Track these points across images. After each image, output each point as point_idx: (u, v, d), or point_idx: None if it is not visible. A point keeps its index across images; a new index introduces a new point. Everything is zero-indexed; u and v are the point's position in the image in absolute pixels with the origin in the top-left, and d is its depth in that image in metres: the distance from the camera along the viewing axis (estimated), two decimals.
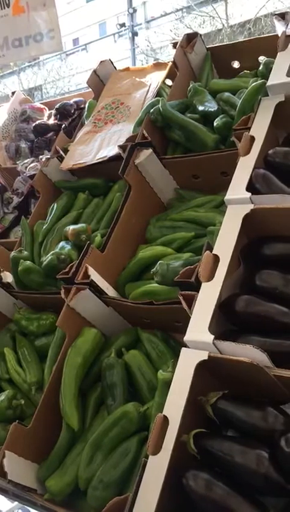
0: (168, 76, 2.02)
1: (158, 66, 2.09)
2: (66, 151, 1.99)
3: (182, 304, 1.24)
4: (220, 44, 2.07)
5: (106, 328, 1.52)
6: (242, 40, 1.98)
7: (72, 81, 16.67)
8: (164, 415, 1.03)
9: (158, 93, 1.96)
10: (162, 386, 1.18)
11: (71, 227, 1.63)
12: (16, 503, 2.04)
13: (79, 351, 1.38)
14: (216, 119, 1.59)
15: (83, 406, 1.37)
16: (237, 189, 1.30)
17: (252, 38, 1.91)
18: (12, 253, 1.69)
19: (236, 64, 1.98)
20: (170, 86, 2.02)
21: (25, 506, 2.05)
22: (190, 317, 1.16)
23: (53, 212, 1.85)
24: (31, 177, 2.12)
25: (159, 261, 1.31)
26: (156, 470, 1.01)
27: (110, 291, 1.52)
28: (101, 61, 2.19)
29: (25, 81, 17.07)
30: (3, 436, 1.37)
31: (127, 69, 2.18)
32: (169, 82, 2.05)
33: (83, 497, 1.21)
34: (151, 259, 1.51)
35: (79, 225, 1.62)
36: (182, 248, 1.53)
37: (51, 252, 1.58)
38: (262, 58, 1.87)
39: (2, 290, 1.72)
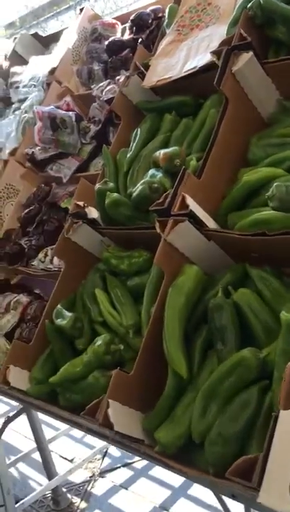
0: None
1: None
2: (147, 66, 1.75)
3: None
4: None
5: (206, 265, 1.34)
6: None
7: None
8: None
9: None
10: (286, 330, 1.00)
11: (162, 151, 1.42)
12: None
13: (181, 291, 1.22)
14: None
15: (188, 351, 1.22)
16: None
17: None
18: (97, 186, 1.52)
19: None
20: None
21: None
22: None
23: (137, 138, 1.65)
24: (109, 101, 1.91)
25: (275, 183, 1.08)
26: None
27: (210, 222, 1.33)
28: None
29: None
30: (103, 384, 1.29)
31: None
32: None
33: (196, 450, 1.09)
34: (259, 183, 1.29)
35: (171, 148, 1.42)
36: None
37: (141, 181, 1.39)
38: None
39: (88, 227, 1.58)
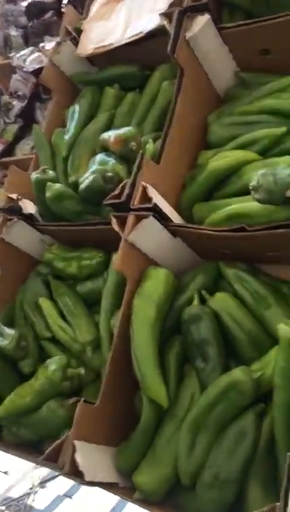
0: None
1: None
2: (79, 31, 1.50)
3: None
4: None
5: (171, 265, 1.15)
6: None
7: None
8: None
9: None
10: (287, 346, 0.85)
11: (112, 133, 1.20)
12: None
13: (150, 300, 1.03)
14: None
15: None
16: None
17: None
18: (35, 175, 1.26)
19: None
20: None
21: None
22: None
23: (76, 116, 1.41)
24: (35, 72, 1.64)
25: (260, 172, 0.91)
26: None
27: (175, 216, 1.14)
28: None
29: None
30: (62, 416, 1.08)
31: None
32: None
33: (184, 492, 0.93)
34: (229, 170, 1.12)
35: (124, 129, 1.20)
36: (267, 151, 1.13)
37: (91, 169, 1.17)
38: None
39: (24, 224, 1.33)
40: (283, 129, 1.10)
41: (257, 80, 1.31)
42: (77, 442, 0.94)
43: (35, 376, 1.15)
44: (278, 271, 1.12)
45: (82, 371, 1.10)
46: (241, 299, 1.06)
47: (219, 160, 1.13)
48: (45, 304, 1.25)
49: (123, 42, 1.36)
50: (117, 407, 1.05)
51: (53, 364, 1.10)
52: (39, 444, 1.18)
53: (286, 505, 0.72)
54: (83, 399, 0.98)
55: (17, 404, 1.11)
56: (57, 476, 2.70)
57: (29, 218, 1.33)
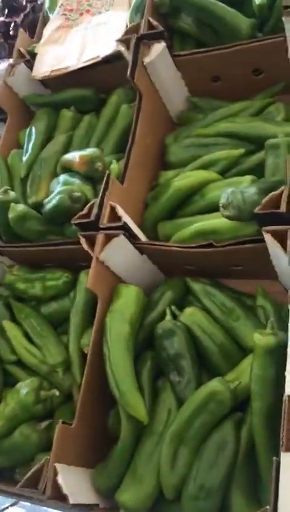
0: None
1: None
2: (32, 54, 1.51)
3: (265, 241, 0.95)
4: None
5: (138, 283, 1.17)
6: None
7: None
8: None
9: None
10: (262, 355, 0.89)
11: (77, 153, 1.22)
12: None
13: (122, 317, 1.05)
14: None
15: None
16: None
17: None
18: None
19: None
20: None
21: None
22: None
23: (33, 138, 1.41)
24: None
25: (229, 190, 0.96)
26: None
27: (140, 234, 1.17)
28: None
29: None
30: (36, 441, 1.06)
31: None
32: None
33: (168, 505, 0.93)
34: (192, 189, 1.17)
35: (89, 150, 1.22)
36: (225, 171, 1.19)
37: (57, 190, 1.17)
38: None
39: None
40: (241, 151, 1.17)
41: (208, 105, 1.39)
42: (57, 465, 0.92)
43: (3, 401, 1.11)
44: (241, 285, 1.17)
45: (56, 392, 1.08)
46: (210, 313, 1.10)
47: (182, 179, 1.17)
48: (9, 326, 1.22)
49: (80, 66, 1.39)
50: (93, 427, 1.05)
51: (25, 387, 1.07)
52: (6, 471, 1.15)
53: (275, 509, 0.75)
54: (61, 420, 0.97)
55: None
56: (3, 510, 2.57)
57: None
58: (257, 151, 1.18)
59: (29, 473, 0.93)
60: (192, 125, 1.34)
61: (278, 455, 0.74)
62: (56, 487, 0.90)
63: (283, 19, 1.10)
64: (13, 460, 1.08)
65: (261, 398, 0.88)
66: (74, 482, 0.95)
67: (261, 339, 0.89)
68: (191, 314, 1.07)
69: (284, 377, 0.78)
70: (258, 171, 1.14)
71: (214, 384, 0.93)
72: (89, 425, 1.03)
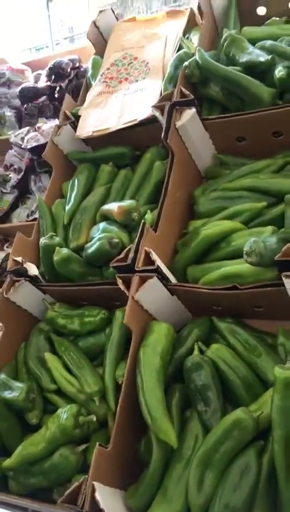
0: (187, 26, 1.77)
1: (171, 14, 1.83)
2: (76, 116, 1.71)
3: (282, 285, 1.06)
4: None
5: (168, 321, 1.29)
6: None
7: None
8: None
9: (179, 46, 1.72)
10: (283, 387, 0.99)
11: (116, 204, 1.37)
12: None
13: (154, 351, 1.16)
14: (278, 69, 1.37)
15: None
16: None
17: None
18: (43, 241, 1.41)
19: (262, 11, 1.77)
20: (187, 38, 1.78)
21: None
22: None
23: (75, 189, 1.57)
24: (32, 149, 1.81)
25: (252, 239, 1.09)
26: None
27: (171, 277, 1.30)
28: (100, 11, 1.89)
29: None
30: (74, 463, 1.16)
31: (133, 19, 1.90)
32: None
33: None
34: (219, 237, 1.30)
35: (127, 202, 1.37)
36: (249, 221, 1.32)
37: (97, 236, 1.32)
38: None
39: (30, 285, 1.45)
40: (264, 204, 1.30)
41: (234, 162, 1.54)
42: (95, 483, 1.02)
43: (44, 426, 1.22)
44: (263, 325, 1.28)
45: (94, 418, 1.19)
46: (234, 349, 1.20)
47: (210, 228, 1.31)
48: (50, 358, 1.34)
49: (119, 127, 1.57)
50: (126, 451, 1.14)
51: (65, 412, 1.18)
52: (40, 493, 1.24)
53: None
54: (98, 443, 1.07)
55: (30, 452, 1.17)
56: None
57: (33, 280, 1.44)
58: (278, 204, 1.31)
59: (69, 489, 1.03)
60: (219, 180, 1.48)
61: None
62: (94, 503, 0.99)
63: None
64: (52, 480, 1.18)
65: (281, 426, 0.97)
66: (109, 500, 1.04)
67: (282, 372, 0.99)
68: (217, 350, 1.18)
69: None
70: (278, 222, 1.27)
71: (239, 413, 1.03)
72: (122, 449, 1.13)
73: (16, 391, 1.27)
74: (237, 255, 1.24)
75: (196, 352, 1.18)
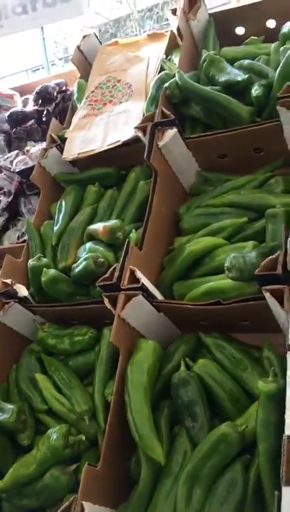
0: (168, 47, 1.81)
1: (153, 37, 1.89)
2: (62, 139, 1.75)
3: (264, 299, 1.08)
4: (223, 9, 1.89)
5: (155, 337, 1.31)
6: (249, 3, 1.80)
7: None
8: None
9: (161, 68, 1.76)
10: (265, 400, 1.00)
11: (101, 224, 1.40)
12: None
13: (141, 368, 1.18)
14: (255, 88, 1.41)
15: None
16: None
17: (259, 0, 1.74)
18: (31, 262, 1.44)
19: (240, 31, 1.81)
20: (168, 59, 1.82)
21: None
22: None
23: (63, 210, 1.60)
24: (21, 172, 1.85)
25: (232, 255, 1.12)
26: None
27: (157, 294, 1.32)
28: (84, 36, 1.95)
29: None
30: (65, 483, 1.17)
31: (116, 43, 1.95)
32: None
33: None
34: (203, 253, 1.33)
35: (112, 222, 1.40)
36: (232, 237, 1.35)
37: (83, 256, 1.34)
38: (272, 22, 1.73)
39: (20, 306, 1.46)
40: (245, 219, 1.33)
41: (217, 178, 1.57)
42: (84, 503, 1.03)
43: (36, 447, 1.23)
44: (249, 338, 1.29)
45: (83, 437, 1.20)
46: (220, 364, 1.22)
47: (195, 245, 1.33)
48: (41, 378, 1.35)
49: (104, 148, 1.61)
50: (116, 469, 1.15)
51: (55, 433, 1.19)
52: None
53: None
54: (87, 462, 1.08)
55: (21, 473, 1.18)
56: None
57: (23, 301, 1.46)
58: (259, 219, 1.34)
59: (59, 510, 1.03)
60: (202, 196, 1.51)
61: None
62: None
63: (277, 108, 1.30)
64: (43, 501, 1.18)
65: (265, 439, 0.99)
66: None
67: (265, 386, 1.01)
68: (203, 365, 1.20)
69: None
70: (260, 236, 1.29)
71: (224, 428, 1.04)
72: (112, 467, 1.14)
73: (6, 413, 1.28)
74: (220, 270, 1.26)
75: (182, 368, 1.19)
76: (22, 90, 2.31)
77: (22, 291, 1.47)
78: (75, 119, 1.78)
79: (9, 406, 1.30)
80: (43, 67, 7.02)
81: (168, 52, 1.82)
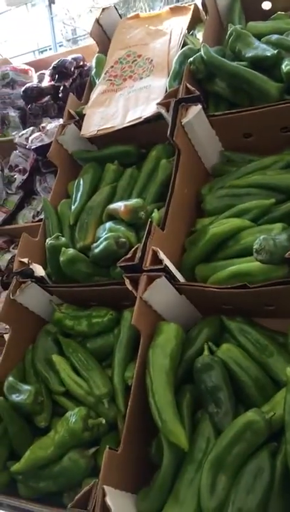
0: (191, 21, 1.75)
1: (175, 11, 1.82)
2: (80, 115, 1.69)
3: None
4: None
5: (176, 321, 1.27)
6: None
7: None
8: None
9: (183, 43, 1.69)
10: None
11: (122, 203, 1.35)
12: None
13: (164, 352, 1.14)
14: (285, 63, 1.34)
15: None
16: None
17: None
18: (49, 241, 1.39)
19: (267, 5, 1.74)
20: (191, 34, 1.76)
21: None
22: None
23: (81, 189, 1.56)
24: (37, 149, 1.80)
25: (262, 236, 1.07)
26: None
27: (179, 276, 1.28)
28: (104, 9, 1.88)
29: None
30: (84, 466, 1.14)
31: (137, 16, 1.89)
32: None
33: None
34: (227, 235, 1.28)
35: (133, 200, 1.35)
36: (257, 219, 1.30)
37: (104, 236, 1.30)
38: None
39: (37, 286, 1.43)
40: (272, 201, 1.28)
41: (241, 158, 1.52)
42: (106, 487, 1.00)
43: (53, 429, 1.20)
44: (274, 323, 1.26)
45: (103, 420, 1.17)
46: (244, 349, 1.18)
47: (218, 226, 1.29)
48: (58, 360, 1.33)
49: (124, 125, 1.55)
50: (136, 454, 1.12)
51: (73, 415, 1.17)
52: (50, 497, 1.22)
53: None
54: (108, 446, 1.05)
55: (39, 455, 1.16)
56: None
57: (40, 281, 1.43)
58: (286, 201, 1.29)
59: (79, 494, 1.01)
60: (226, 177, 1.46)
61: None
62: (104, 507, 0.98)
63: None
64: (61, 484, 1.16)
65: None
66: (120, 504, 1.02)
67: None
68: (227, 350, 1.16)
69: None
70: (288, 218, 1.25)
71: (251, 415, 1.01)
72: (133, 452, 1.11)
73: (24, 394, 1.25)
74: (246, 253, 1.22)
75: (206, 352, 1.16)
76: (34, 67, 2.24)
77: (39, 270, 1.44)
78: (93, 95, 1.72)
79: (27, 387, 1.27)
80: (50, 49, 6.91)
81: (191, 27, 1.76)
